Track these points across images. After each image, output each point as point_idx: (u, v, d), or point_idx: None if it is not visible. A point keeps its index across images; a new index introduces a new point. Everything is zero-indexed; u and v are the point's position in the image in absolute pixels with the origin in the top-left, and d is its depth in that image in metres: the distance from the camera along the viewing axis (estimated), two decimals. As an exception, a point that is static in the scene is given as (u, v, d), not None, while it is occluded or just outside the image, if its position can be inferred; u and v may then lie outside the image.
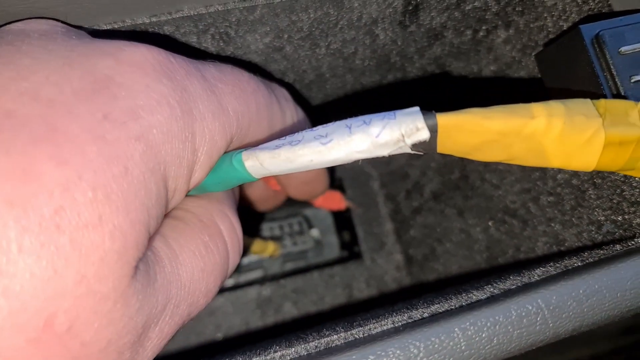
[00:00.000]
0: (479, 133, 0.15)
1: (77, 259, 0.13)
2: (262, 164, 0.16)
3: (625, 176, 0.20)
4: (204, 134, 0.16)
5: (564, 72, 0.19)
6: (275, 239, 0.32)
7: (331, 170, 0.33)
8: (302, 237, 0.33)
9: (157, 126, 0.15)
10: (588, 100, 0.15)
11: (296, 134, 0.16)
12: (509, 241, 0.25)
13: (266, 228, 0.33)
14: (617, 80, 0.17)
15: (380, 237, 0.33)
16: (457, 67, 0.27)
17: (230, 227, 0.19)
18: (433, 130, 0.14)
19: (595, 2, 0.20)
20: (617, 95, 0.17)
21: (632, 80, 0.17)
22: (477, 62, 0.26)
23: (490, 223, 0.27)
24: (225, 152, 0.17)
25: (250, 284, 0.32)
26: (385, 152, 0.15)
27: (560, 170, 0.23)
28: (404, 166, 0.32)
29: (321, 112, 0.29)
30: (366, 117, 0.15)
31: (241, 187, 0.26)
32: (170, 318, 0.16)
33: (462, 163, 0.28)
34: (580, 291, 0.16)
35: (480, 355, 0.15)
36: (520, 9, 0.23)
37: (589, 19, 0.20)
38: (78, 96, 0.14)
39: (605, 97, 0.17)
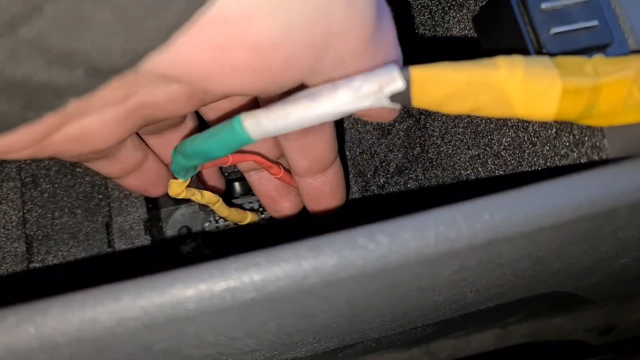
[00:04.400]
0: (448, 83, 0.17)
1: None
2: (259, 121, 0.18)
3: (556, 132, 0.22)
4: None
5: (494, 31, 0.21)
6: (254, 211, 0.34)
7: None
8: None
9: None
10: (545, 57, 0.17)
11: (290, 96, 0.18)
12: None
13: (246, 202, 0.35)
14: (537, 32, 0.19)
15: None
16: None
17: None
18: (407, 81, 0.16)
19: None
20: (538, 46, 0.20)
21: (551, 33, 0.19)
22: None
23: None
24: None
25: None
26: (366, 103, 0.17)
27: (504, 134, 0.25)
28: (372, 145, 0.34)
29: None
30: (350, 77, 0.17)
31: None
32: None
33: (423, 138, 0.31)
34: (493, 207, 0.17)
35: (401, 256, 0.17)
36: None
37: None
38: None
39: (527, 48, 0.20)
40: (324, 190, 0.26)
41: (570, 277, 0.26)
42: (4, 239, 0.32)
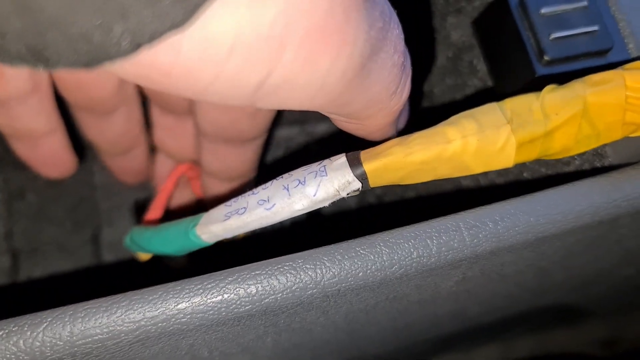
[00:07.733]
0: (404, 168, 0.17)
1: None
2: (216, 235, 0.18)
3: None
4: None
5: (494, 35, 0.21)
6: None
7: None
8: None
9: None
10: (495, 106, 0.17)
11: (240, 199, 0.18)
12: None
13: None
14: (538, 37, 0.19)
15: None
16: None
17: None
18: (363, 178, 0.17)
19: None
20: (539, 52, 0.19)
21: (551, 38, 0.19)
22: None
23: None
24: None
25: None
26: (324, 204, 0.17)
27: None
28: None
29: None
30: (300, 175, 0.17)
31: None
32: None
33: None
34: (497, 215, 0.17)
35: (402, 266, 0.16)
36: None
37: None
38: None
39: (528, 53, 0.19)
40: (224, 194, 0.26)
41: (573, 288, 0.26)
42: None
